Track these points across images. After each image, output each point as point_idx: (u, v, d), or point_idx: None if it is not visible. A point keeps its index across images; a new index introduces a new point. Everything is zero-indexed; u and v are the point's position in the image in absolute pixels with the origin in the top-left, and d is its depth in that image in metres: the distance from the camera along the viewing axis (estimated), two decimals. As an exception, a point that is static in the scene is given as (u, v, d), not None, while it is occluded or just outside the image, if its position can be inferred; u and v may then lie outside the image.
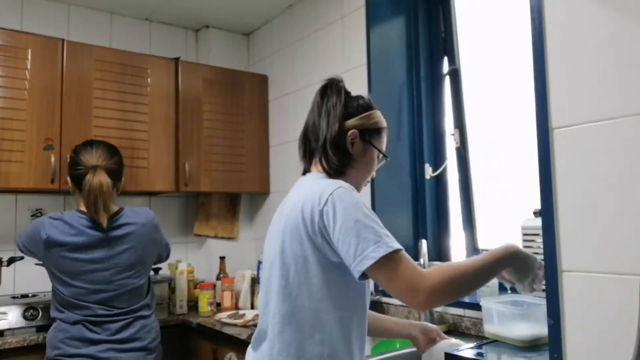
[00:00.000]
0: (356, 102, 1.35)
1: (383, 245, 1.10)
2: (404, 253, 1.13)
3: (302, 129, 1.37)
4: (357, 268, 1.11)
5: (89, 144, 2.00)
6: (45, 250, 1.87)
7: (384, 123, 1.38)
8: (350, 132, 1.30)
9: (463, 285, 1.14)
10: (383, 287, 1.13)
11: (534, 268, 1.26)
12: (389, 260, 1.10)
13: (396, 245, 1.12)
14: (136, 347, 1.84)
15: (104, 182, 1.88)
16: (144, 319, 1.90)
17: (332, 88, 1.33)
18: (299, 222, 1.18)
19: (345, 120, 1.30)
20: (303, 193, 1.23)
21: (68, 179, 2.01)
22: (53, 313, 1.90)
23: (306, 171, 1.37)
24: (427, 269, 1.13)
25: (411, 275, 1.10)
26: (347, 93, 1.35)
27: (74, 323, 1.83)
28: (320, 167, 1.31)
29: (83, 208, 1.93)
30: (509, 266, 1.25)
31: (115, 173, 1.97)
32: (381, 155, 1.38)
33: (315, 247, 1.17)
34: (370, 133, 1.34)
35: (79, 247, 1.86)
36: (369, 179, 1.40)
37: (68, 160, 2.02)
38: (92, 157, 1.93)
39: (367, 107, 1.36)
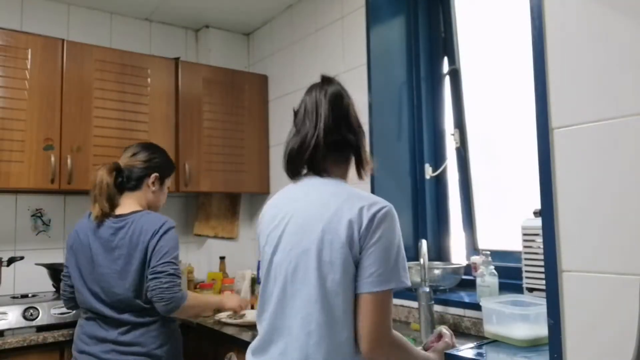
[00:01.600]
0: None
1: (407, 277, 1.18)
2: None
3: (313, 130, 1.31)
4: (373, 286, 1.14)
5: (135, 144, 2.06)
6: (71, 248, 1.93)
7: None
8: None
9: None
10: (370, 313, 1.15)
11: None
12: (390, 294, 1.17)
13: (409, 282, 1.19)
14: (138, 351, 1.81)
15: (99, 175, 1.89)
16: (147, 325, 1.85)
17: (343, 92, 1.36)
18: (342, 230, 1.16)
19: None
20: (346, 200, 1.20)
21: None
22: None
23: (316, 173, 1.32)
24: (397, 333, 1.22)
25: (389, 325, 1.18)
26: None
27: (86, 319, 1.87)
28: (340, 170, 1.33)
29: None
30: None
31: (140, 170, 1.96)
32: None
33: (352, 257, 1.16)
34: None
35: (83, 248, 1.88)
36: None
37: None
38: (122, 156, 2.00)
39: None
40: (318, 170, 1.31)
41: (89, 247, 1.86)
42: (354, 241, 1.16)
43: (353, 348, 1.18)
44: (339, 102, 1.32)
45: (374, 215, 1.16)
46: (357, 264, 1.17)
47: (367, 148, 1.39)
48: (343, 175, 1.33)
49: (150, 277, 1.77)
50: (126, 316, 1.82)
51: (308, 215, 1.23)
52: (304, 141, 1.29)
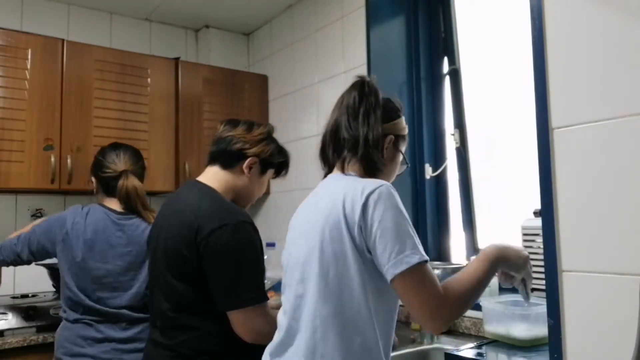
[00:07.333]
0: (390, 106, 1.33)
1: (418, 252, 1.09)
2: (429, 265, 1.12)
3: (329, 125, 1.31)
4: (391, 270, 1.08)
5: (116, 147, 1.98)
6: (63, 242, 1.83)
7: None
8: (388, 137, 1.28)
9: (471, 303, 1.16)
10: (404, 298, 1.10)
11: (525, 264, 1.29)
12: (420, 269, 1.09)
13: (425, 256, 1.11)
14: (140, 347, 1.79)
15: (137, 185, 1.90)
16: (145, 321, 1.83)
17: (369, 87, 1.28)
18: (340, 220, 1.14)
19: (384, 123, 1.28)
20: (342, 191, 1.17)
21: (93, 179, 1.97)
22: (60, 312, 1.88)
23: (330, 170, 1.31)
24: (445, 287, 1.11)
25: (435, 295, 1.09)
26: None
27: (75, 321, 1.81)
28: (354, 167, 1.26)
29: (106, 203, 1.91)
30: (502, 268, 1.28)
31: (139, 177, 1.96)
32: (402, 162, 1.38)
33: (354, 245, 1.13)
34: (400, 139, 1.33)
35: (90, 242, 1.83)
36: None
37: (93, 160, 1.97)
38: (120, 162, 1.92)
39: (399, 111, 1.35)
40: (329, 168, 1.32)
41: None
42: (353, 229, 1.12)
43: (373, 338, 1.14)
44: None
45: (367, 198, 1.11)
46: (364, 253, 1.13)
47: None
48: (358, 171, 1.27)
49: None
50: (124, 311, 1.81)
51: (315, 212, 1.22)
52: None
